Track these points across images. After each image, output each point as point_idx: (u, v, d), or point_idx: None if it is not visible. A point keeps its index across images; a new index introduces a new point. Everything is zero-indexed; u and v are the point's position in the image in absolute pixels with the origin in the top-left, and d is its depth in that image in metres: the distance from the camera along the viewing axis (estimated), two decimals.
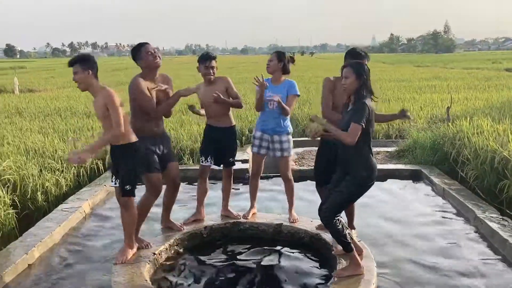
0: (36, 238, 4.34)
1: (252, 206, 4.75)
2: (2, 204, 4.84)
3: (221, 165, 4.68)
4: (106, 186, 6.08)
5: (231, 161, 4.65)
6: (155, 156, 4.02)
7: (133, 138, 3.72)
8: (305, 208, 5.10)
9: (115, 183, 3.79)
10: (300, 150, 8.46)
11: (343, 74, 3.44)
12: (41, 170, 6.12)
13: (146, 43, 4.06)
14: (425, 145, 7.31)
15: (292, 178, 4.66)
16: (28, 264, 4.02)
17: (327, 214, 3.42)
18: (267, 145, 4.60)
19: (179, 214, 4.92)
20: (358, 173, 3.40)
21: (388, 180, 6.51)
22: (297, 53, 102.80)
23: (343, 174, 3.49)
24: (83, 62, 3.57)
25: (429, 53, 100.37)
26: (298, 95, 4.58)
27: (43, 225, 4.72)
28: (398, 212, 5.25)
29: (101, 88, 3.63)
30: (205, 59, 4.41)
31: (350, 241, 3.46)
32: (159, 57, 4.01)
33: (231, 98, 4.46)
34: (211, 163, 4.57)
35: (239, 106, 4.54)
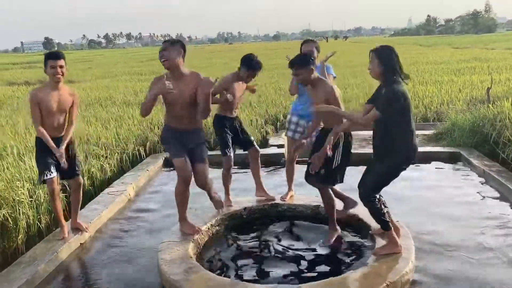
0: (86, 220, 4.59)
1: (289, 189, 4.85)
2: None
3: (237, 149, 4.83)
4: (148, 171, 6.34)
5: (252, 140, 4.80)
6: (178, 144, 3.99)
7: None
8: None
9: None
10: None
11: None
12: (86, 157, 6.41)
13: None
14: (464, 127, 7.19)
15: None
16: (80, 243, 4.29)
17: (365, 192, 3.47)
18: (302, 131, 4.67)
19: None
20: (395, 154, 3.41)
21: (426, 162, 6.46)
22: (330, 37, 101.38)
23: (379, 154, 3.53)
24: None
25: (468, 34, 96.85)
26: (335, 77, 4.59)
27: (91, 207, 4.99)
28: (436, 195, 5.23)
29: None
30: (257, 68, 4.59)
31: (388, 219, 3.51)
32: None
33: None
34: (232, 151, 4.70)
35: None
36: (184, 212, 4.10)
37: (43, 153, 4.06)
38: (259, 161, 4.90)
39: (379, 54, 3.36)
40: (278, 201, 4.73)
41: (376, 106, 3.30)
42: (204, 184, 4.10)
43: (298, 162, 4.91)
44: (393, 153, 3.41)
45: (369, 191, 3.47)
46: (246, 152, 4.87)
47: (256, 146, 4.86)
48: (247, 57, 4.60)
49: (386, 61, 3.32)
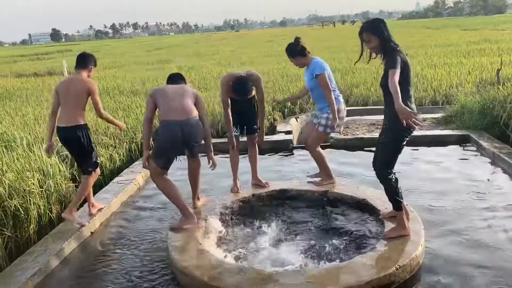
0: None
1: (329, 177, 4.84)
2: (63, 178, 5.19)
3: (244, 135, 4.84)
4: None
5: (255, 128, 4.81)
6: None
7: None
8: (350, 176, 5.16)
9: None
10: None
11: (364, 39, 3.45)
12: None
13: None
14: (473, 109, 7.10)
15: (314, 147, 4.77)
16: (91, 232, 4.34)
17: (380, 168, 3.49)
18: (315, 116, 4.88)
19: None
20: (396, 121, 3.38)
21: (436, 146, 6.42)
22: (337, 22, 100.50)
23: (385, 123, 3.54)
24: None
25: (478, 15, 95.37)
26: (319, 74, 4.44)
27: (101, 196, 5.03)
28: (446, 178, 5.20)
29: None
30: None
31: (401, 199, 3.51)
32: None
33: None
34: (239, 133, 4.77)
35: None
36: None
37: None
38: (257, 148, 4.93)
39: (371, 28, 3.40)
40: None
41: (389, 67, 3.26)
42: None
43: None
44: (394, 119, 3.36)
45: (382, 165, 3.48)
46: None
47: (256, 135, 4.85)
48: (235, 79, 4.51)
49: (380, 32, 3.36)
